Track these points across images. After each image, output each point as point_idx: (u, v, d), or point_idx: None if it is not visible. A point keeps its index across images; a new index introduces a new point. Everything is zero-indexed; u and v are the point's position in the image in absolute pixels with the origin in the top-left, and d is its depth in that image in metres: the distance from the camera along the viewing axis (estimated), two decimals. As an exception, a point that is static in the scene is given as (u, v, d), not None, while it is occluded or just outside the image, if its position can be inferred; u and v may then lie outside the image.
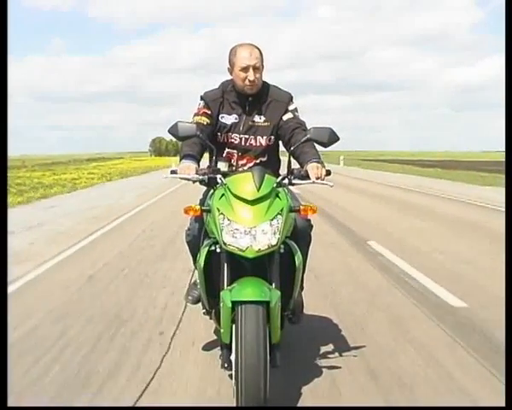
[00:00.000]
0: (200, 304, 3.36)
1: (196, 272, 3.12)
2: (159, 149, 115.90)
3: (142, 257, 7.04)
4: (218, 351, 3.16)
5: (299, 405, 2.96)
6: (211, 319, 3.29)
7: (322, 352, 3.65)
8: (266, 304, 2.66)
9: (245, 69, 3.27)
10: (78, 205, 15.12)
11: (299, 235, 3.19)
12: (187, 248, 3.47)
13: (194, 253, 3.26)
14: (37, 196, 17.52)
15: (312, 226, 3.37)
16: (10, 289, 5.19)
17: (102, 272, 6.25)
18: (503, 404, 2.74)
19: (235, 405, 2.64)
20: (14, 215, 11.30)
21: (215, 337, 3.76)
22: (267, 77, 3.44)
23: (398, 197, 16.85)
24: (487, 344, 3.84)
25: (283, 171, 3.24)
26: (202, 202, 3.29)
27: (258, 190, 2.83)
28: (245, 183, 2.87)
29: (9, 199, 14.65)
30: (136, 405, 2.96)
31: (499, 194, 15.38)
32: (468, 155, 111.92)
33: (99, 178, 30.64)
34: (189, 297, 3.52)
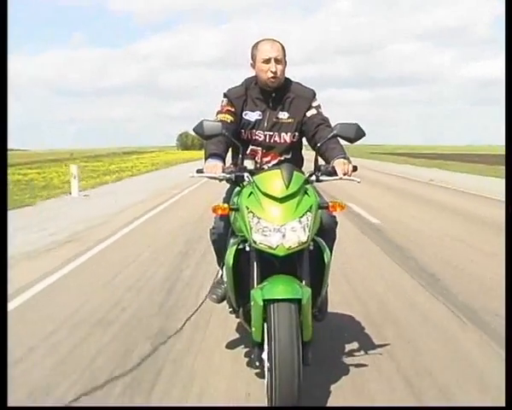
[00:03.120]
0: (221, 303, 3.57)
1: (221, 270, 3.34)
2: (185, 143, 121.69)
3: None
4: (242, 349, 3.68)
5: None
6: (237, 317, 3.39)
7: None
8: (298, 302, 2.73)
9: (267, 61, 3.33)
10: (182, 172, 24.75)
11: (325, 232, 3.26)
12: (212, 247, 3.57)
13: (220, 252, 3.35)
14: (127, 175, 23.97)
15: (337, 223, 3.46)
16: (188, 190, 16.37)
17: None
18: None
19: (266, 403, 2.79)
20: (138, 180, 21.34)
21: (239, 336, 4.03)
22: (288, 71, 3.55)
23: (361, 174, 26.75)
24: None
25: (305, 168, 3.31)
26: (227, 201, 3.38)
27: (287, 188, 2.88)
28: (274, 180, 2.92)
29: (104, 179, 21.50)
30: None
31: (449, 176, 21.93)
32: (487, 149, 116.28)
33: (152, 166, 36.13)
34: (213, 296, 3.62)
